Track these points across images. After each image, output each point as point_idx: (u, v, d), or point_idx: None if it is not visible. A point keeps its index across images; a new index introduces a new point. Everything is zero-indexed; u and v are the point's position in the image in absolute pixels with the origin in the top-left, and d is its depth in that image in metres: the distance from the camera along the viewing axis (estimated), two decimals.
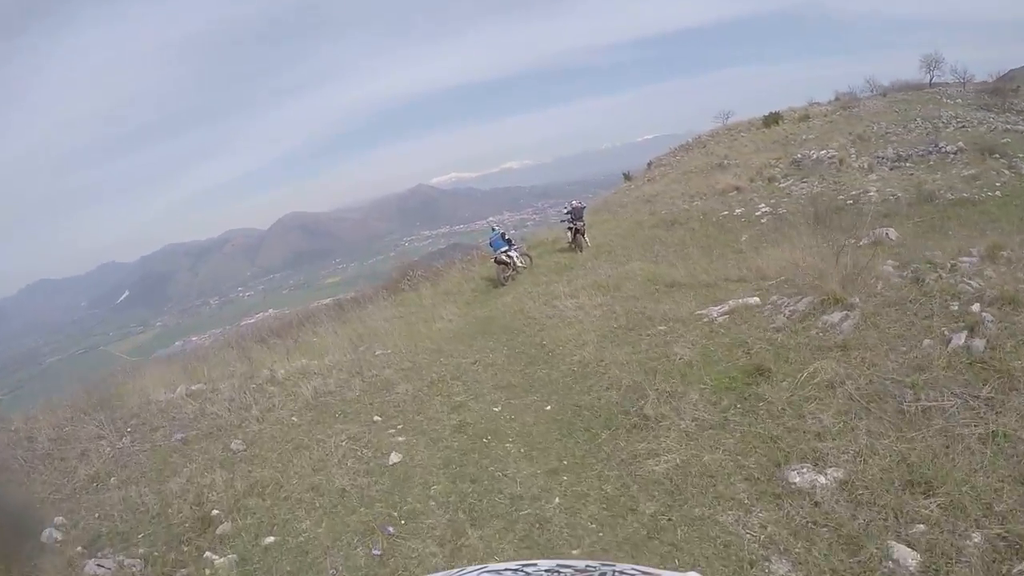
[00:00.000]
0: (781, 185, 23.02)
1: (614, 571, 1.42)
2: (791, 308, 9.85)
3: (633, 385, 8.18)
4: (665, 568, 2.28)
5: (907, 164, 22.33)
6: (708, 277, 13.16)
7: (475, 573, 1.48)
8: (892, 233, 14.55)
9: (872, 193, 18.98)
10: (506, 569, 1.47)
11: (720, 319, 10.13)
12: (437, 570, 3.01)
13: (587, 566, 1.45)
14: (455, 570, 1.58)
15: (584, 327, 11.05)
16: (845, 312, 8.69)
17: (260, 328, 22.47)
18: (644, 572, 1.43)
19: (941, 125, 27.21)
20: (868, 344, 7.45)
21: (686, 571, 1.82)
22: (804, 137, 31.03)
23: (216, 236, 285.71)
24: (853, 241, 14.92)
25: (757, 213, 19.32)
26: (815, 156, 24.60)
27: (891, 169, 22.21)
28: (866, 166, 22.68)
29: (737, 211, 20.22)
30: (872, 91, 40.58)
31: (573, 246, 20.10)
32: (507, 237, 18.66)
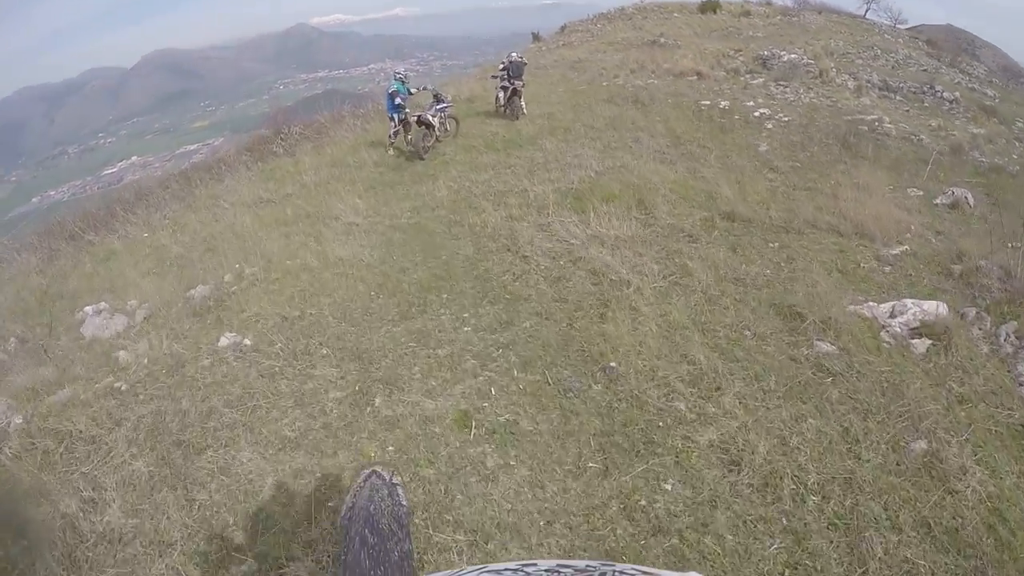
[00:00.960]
0: (753, 82, 18.05)
1: (614, 571, 1.20)
2: None
3: None
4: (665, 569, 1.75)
5: (896, 97, 18.26)
6: (777, 213, 7.98)
7: (475, 573, 1.28)
8: (970, 198, 10.26)
9: (888, 125, 14.55)
10: (506, 569, 1.25)
11: (918, 344, 5.08)
12: None
13: (587, 566, 1.23)
14: (455, 570, 1.36)
15: (660, 312, 5.45)
16: None
17: (83, 212, 13.78)
18: (644, 572, 1.20)
19: (901, 61, 23.51)
20: None
21: (686, 571, 1.39)
22: (751, 34, 26.18)
23: (75, 77, 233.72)
24: (920, 193, 10.58)
25: (755, 114, 14.20)
26: (786, 58, 19.80)
27: (879, 97, 18.01)
28: (852, 86, 18.27)
29: (722, 103, 14.95)
30: (801, 4, 36.34)
31: (506, 110, 14.46)
32: (433, 92, 12.77)
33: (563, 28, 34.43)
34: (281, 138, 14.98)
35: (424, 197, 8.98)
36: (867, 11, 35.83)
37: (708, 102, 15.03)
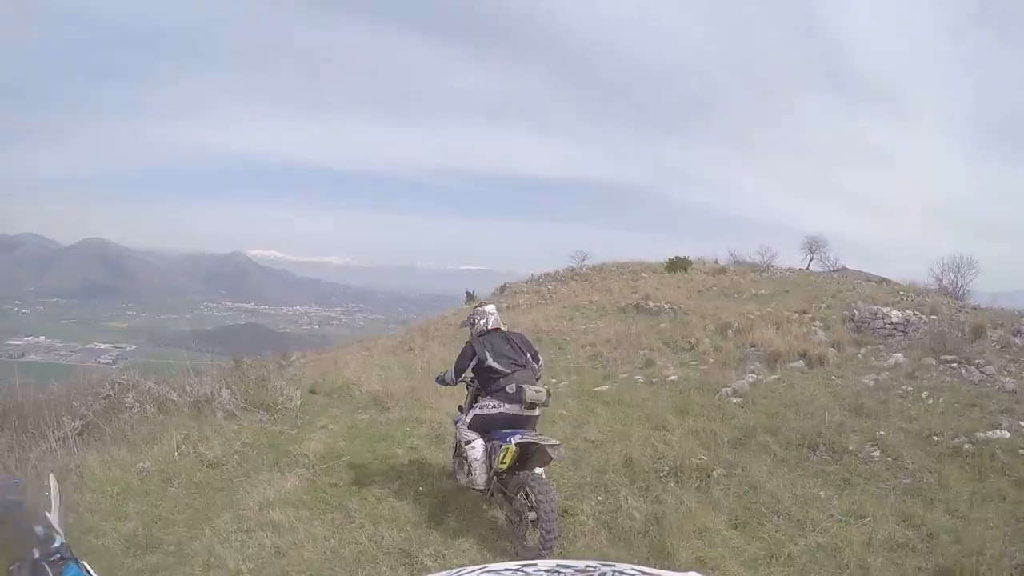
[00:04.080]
0: (890, 361, 9.39)
1: (614, 571, 1.16)
2: None
3: None
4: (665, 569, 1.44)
5: None
6: None
7: (475, 573, 1.20)
8: None
9: None
10: (506, 569, 1.20)
11: None
12: None
13: (587, 566, 1.18)
14: (455, 570, 1.27)
15: None
16: None
17: None
18: (644, 572, 1.15)
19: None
20: None
21: (686, 571, 1.26)
22: (755, 292, 18.77)
23: (11, 234, 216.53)
24: None
25: None
26: (895, 318, 11.66)
27: None
28: None
29: None
30: (737, 261, 30.63)
31: (511, 519, 4.44)
32: None
33: (502, 288, 26.58)
34: None
35: None
36: (810, 262, 30.55)
37: (1000, 435, 5.88)
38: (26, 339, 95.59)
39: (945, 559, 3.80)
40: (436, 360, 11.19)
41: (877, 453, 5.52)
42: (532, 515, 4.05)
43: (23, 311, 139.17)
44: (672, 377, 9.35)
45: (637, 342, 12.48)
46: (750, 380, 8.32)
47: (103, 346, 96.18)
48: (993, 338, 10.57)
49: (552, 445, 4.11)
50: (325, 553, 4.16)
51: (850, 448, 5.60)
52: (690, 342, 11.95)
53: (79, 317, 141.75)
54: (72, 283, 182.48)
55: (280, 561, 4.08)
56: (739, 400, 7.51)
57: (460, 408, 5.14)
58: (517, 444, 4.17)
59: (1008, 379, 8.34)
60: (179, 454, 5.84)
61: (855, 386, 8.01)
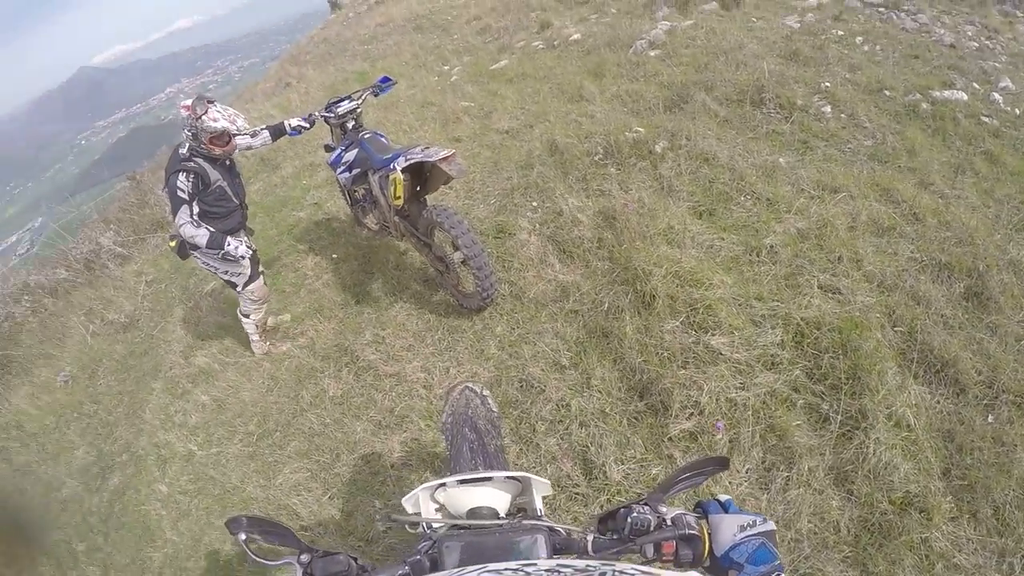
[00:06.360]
0: None
1: (614, 571, 0.98)
2: None
3: None
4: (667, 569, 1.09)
5: None
6: None
7: (475, 573, 1.03)
8: None
9: None
10: (506, 569, 1.02)
11: None
12: None
13: (587, 566, 1.00)
14: (455, 570, 1.12)
15: None
16: None
17: None
18: (644, 572, 0.98)
19: None
20: None
21: (687, 571, 1.16)
22: None
23: None
24: None
25: None
26: None
27: None
28: None
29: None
30: None
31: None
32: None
33: None
34: None
35: None
36: None
37: (957, 96, 4.97)
38: None
39: (938, 250, 3.15)
40: (315, 87, 9.57)
41: (828, 108, 4.58)
42: (459, 255, 3.23)
43: None
44: (575, 36, 7.71)
45: (525, 4, 10.41)
46: (664, 28, 6.85)
47: (12, 239, 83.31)
48: None
49: (445, 158, 2.99)
50: (263, 383, 3.73)
51: (798, 103, 4.61)
52: None
53: None
54: None
55: (224, 416, 3.65)
56: (658, 53, 6.15)
57: (328, 148, 4.05)
58: (404, 170, 3.15)
59: (944, 31, 7.40)
60: (91, 336, 5.17)
61: (781, 29, 6.78)
